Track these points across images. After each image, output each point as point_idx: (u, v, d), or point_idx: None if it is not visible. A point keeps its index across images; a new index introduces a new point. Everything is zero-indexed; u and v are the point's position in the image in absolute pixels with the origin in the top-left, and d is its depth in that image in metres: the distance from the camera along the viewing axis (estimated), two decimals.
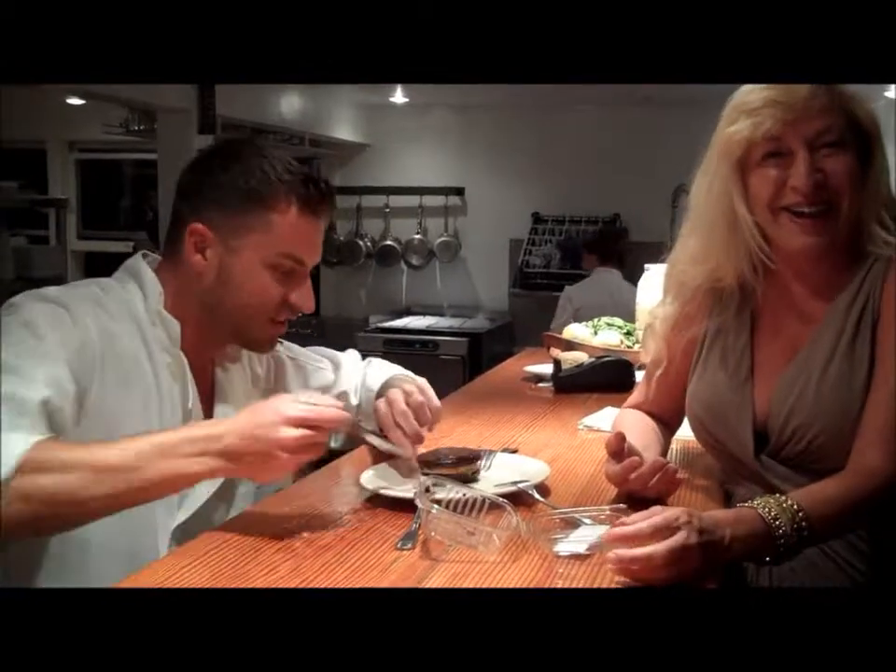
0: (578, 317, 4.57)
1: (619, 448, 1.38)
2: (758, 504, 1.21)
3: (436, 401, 1.60)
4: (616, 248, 5.00)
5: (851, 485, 1.28)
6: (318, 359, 1.81)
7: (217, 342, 1.55)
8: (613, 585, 1.11)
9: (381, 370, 1.81)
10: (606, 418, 1.94)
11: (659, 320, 1.60)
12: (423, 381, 1.68)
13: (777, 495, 1.23)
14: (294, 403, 1.26)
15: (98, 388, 1.35)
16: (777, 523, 1.18)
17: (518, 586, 1.11)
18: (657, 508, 1.17)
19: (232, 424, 1.26)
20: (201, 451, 1.22)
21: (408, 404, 1.55)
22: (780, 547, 1.19)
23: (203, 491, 1.45)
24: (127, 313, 1.44)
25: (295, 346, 1.80)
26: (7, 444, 1.17)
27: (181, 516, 1.44)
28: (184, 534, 1.40)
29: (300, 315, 1.50)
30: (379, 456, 1.60)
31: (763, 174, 1.38)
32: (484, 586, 1.11)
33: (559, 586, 1.11)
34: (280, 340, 1.69)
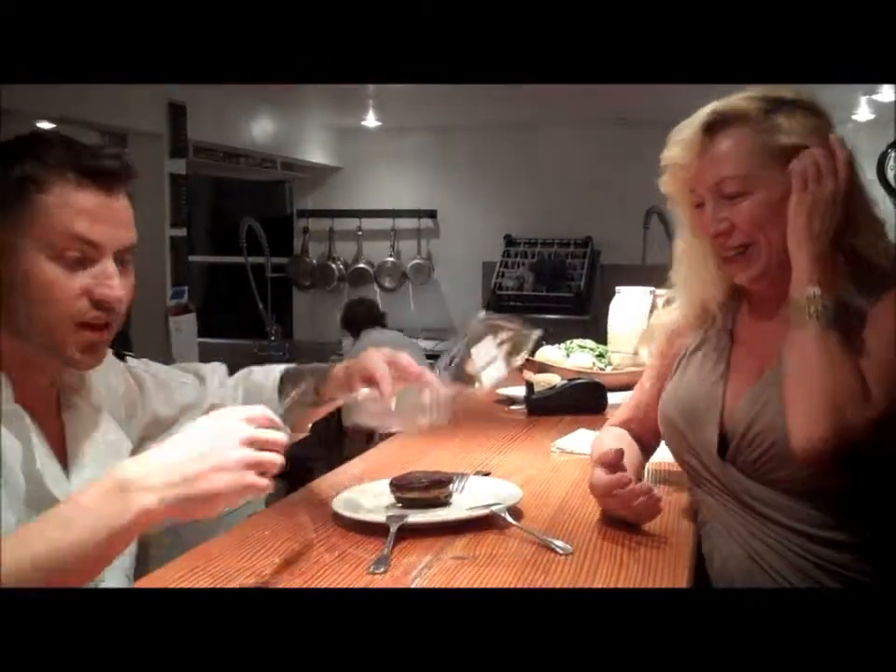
0: None
1: (616, 461, 1.42)
2: None
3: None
4: (371, 315, 5.08)
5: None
6: (182, 375, 1.64)
7: (51, 374, 1.32)
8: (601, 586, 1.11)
9: (266, 370, 1.67)
10: (578, 440, 1.95)
11: (660, 325, 1.65)
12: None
13: None
14: (242, 423, 1.09)
15: None
16: None
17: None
18: None
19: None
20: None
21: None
22: None
23: None
24: None
25: (154, 363, 1.61)
26: None
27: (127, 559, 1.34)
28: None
29: (114, 310, 1.26)
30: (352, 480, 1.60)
31: (696, 217, 1.47)
32: None
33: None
34: (132, 355, 1.55)
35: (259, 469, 1.06)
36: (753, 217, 1.40)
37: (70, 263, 1.22)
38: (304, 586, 1.17)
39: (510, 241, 6.04)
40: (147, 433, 1.51)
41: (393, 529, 1.32)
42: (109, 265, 1.24)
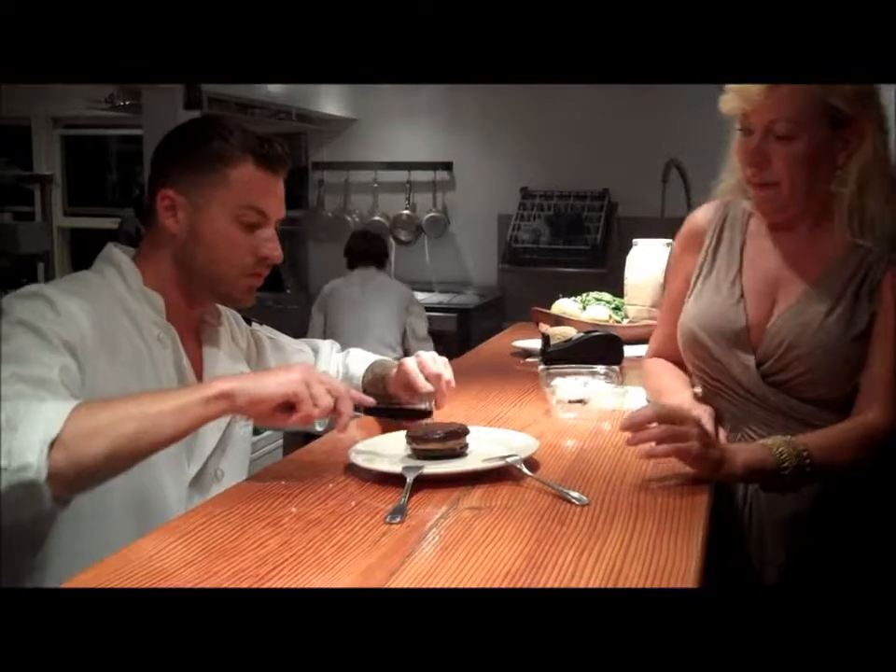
0: (327, 310, 4.90)
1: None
2: (767, 440, 1.48)
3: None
4: (368, 251, 5.06)
5: (853, 436, 1.52)
6: (299, 344, 1.95)
7: (197, 303, 1.63)
8: (601, 584, 1.10)
9: (362, 357, 1.95)
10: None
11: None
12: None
13: (788, 437, 1.48)
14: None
15: (93, 370, 1.40)
16: (784, 457, 1.44)
17: (508, 558, 1.11)
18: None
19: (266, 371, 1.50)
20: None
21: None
22: (785, 477, 1.45)
23: (210, 440, 1.58)
24: (109, 296, 1.52)
25: (274, 330, 1.93)
26: (46, 411, 1.22)
27: (192, 469, 1.55)
28: (199, 487, 1.56)
29: (270, 266, 1.61)
30: (369, 431, 1.60)
31: (741, 142, 1.62)
32: (474, 558, 1.11)
33: (544, 584, 1.11)
34: (258, 321, 1.89)
35: (315, 397, 1.35)
36: (790, 162, 1.55)
37: (245, 226, 1.56)
38: (321, 535, 1.18)
39: (526, 193, 5.99)
40: None
41: (409, 480, 1.33)
42: (272, 230, 1.60)
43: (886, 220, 1.56)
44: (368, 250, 5.06)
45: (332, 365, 1.92)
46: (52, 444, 1.18)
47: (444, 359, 1.78)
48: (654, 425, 1.39)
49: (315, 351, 1.95)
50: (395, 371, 1.79)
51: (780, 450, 1.45)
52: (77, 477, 1.23)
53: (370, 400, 1.54)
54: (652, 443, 1.39)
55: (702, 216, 1.81)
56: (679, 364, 1.84)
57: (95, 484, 1.31)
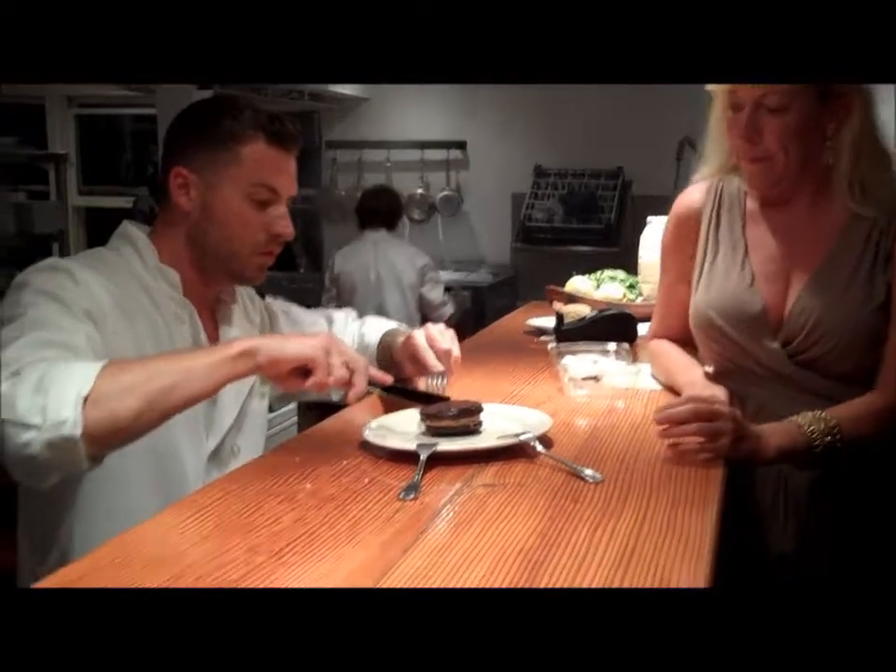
0: (339, 282, 4.79)
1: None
2: (797, 418, 1.49)
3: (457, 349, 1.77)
4: (379, 210, 4.93)
5: (876, 408, 1.54)
6: (315, 316, 1.97)
7: (212, 282, 1.65)
8: (614, 562, 1.08)
9: (377, 325, 1.94)
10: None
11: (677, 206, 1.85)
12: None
13: (819, 412, 1.49)
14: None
15: (112, 342, 1.43)
16: (815, 435, 1.47)
17: (521, 534, 1.11)
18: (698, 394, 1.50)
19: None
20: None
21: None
22: (816, 455, 1.47)
23: (228, 416, 1.62)
24: (126, 272, 1.55)
25: (291, 304, 1.95)
26: (77, 370, 1.24)
27: (211, 444, 1.58)
28: (217, 462, 1.60)
29: (282, 243, 1.63)
30: (383, 408, 1.61)
31: (730, 119, 1.63)
32: (487, 535, 1.11)
33: (557, 561, 1.11)
34: (274, 295, 1.91)
35: (332, 366, 1.35)
36: (783, 132, 1.56)
37: (256, 204, 1.57)
38: (335, 512, 1.19)
39: (539, 172, 5.97)
40: None
41: (423, 457, 1.33)
42: (284, 208, 1.61)
43: (884, 188, 1.59)
44: (377, 208, 4.93)
45: (348, 335, 1.93)
46: (85, 401, 1.21)
47: (452, 332, 1.78)
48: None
49: (330, 322, 1.96)
50: (401, 339, 1.81)
51: (811, 428, 1.47)
52: (108, 433, 1.24)
53: (388, 379, 1.54)
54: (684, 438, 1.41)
55: (696, 196, 1.80)
56: (683, 343, 1.84)
57: (125, 443, 1.32)
